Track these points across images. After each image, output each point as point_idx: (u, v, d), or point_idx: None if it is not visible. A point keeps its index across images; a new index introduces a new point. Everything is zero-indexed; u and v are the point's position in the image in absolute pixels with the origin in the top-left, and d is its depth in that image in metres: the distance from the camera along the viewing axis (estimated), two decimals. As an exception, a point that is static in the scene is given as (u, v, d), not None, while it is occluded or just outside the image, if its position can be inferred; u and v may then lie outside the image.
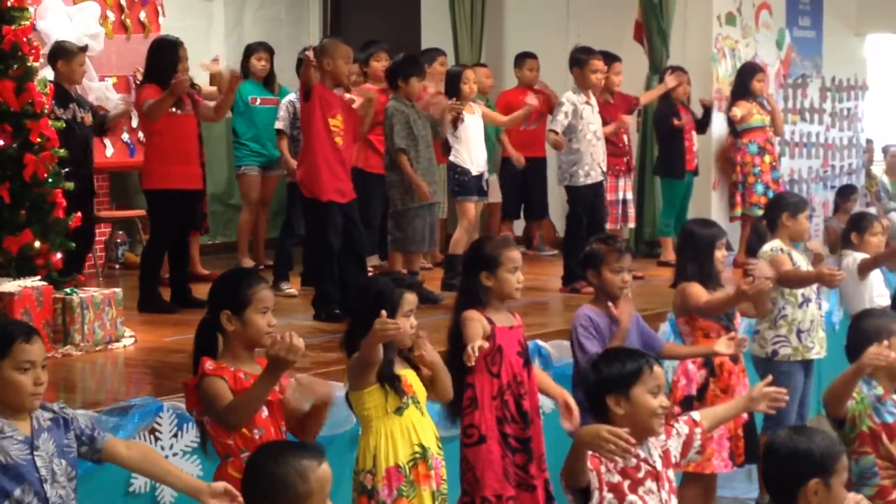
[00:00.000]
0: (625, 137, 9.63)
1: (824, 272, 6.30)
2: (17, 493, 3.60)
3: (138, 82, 8.83)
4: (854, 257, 7.04)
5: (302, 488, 3.24)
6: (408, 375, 4.56)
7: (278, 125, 9.12)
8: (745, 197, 10.22)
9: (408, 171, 7.83)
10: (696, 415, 4.11)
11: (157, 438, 5.00)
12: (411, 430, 4.51)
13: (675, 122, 9.90)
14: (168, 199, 7.85)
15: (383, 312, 4.31)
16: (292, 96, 9.02)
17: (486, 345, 4.79)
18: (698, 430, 4.03)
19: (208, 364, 4.07)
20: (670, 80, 9.89)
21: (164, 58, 7.91)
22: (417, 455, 4.50)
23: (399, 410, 4.49)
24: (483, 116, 8.88)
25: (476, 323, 4.89)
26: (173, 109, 7.78)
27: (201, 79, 9.32)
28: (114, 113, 9.12)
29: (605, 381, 3.82)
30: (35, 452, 3.66)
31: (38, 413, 3.74)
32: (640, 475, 3.80)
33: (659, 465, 3.86)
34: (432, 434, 4.60)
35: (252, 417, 3.99)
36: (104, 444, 3.86)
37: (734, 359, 5.90)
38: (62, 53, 8.28)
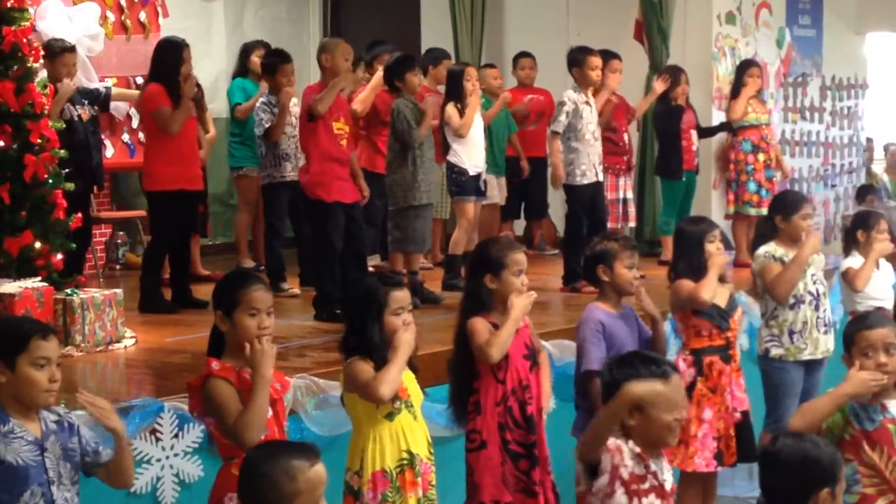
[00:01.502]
0: (625, 136, 9.64)
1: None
2: (26, 496, 3.61)
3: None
4: (846, 262, 7.02)
5: (289, 488, 3.21)
6: (404, 379, 4.52)
7: (259, 130, 9.02)
8: (738, 195, 10.22)
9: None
10: None
11: (157, 439, 5.00)
12: (401, 435, 4.48)
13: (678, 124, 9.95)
14: (169, 200, 7.85)
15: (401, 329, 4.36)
16: (263, 99, 8.93)
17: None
18: None
19: (214, 364, 4.08)
20: (658, 86, 9.86)
21: (169, 57, 7.92)
22: (405, 461, 4.48)
23: (390, 415, 4.47)
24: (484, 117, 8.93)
25: (483, 327, 4.88)
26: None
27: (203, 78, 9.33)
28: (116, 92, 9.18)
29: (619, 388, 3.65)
30: (45, 454, 3.67)
31: (44, 415, 3.75)
32: (645, 486, 3.68)
33: (668, 485, 3.74)
34: (424, 440, 4.58)
35: (263, 428, 3.96)
36: (105, 462, 3.88)
37: (725, 358, 5.89)
38: (47, 52, 8.23)
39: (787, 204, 6.52)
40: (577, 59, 8.68)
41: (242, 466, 3.40)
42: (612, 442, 3.66)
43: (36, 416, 3.73)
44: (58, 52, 8.31)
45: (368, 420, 4.47)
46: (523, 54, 10.75)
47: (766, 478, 3.51)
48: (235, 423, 3.94)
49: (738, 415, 5.90)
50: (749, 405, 6.03)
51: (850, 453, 4.43)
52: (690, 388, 5.82)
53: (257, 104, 8.98)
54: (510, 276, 4.93)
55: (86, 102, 8.59)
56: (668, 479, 3.78)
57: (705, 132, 10.35)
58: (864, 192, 12.03)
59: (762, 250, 6.42)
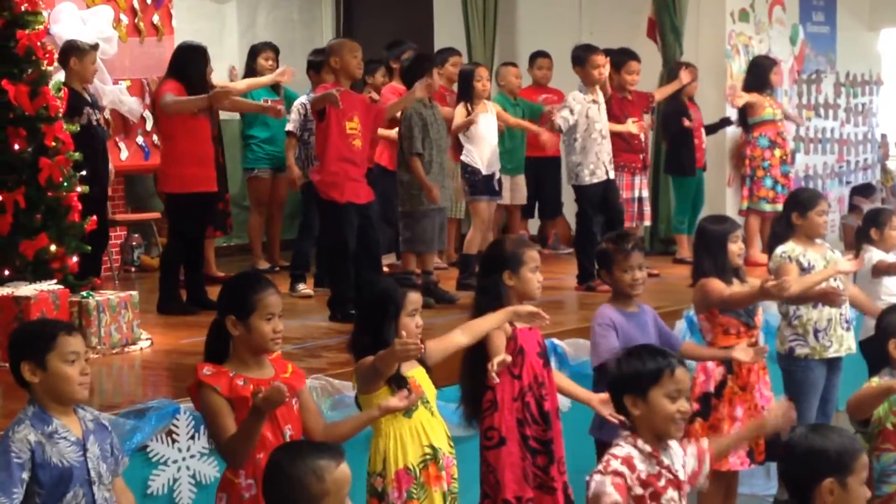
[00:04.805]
0: (641, 135, 9.61)
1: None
2: (69, 496, 3.67)
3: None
4: (872, 255, 7.00)
5: (317, 488, 3.24)
6: (416, 375, 4.54)
7: (289, 127, 9.06)
8: (753, 191, 10.15)
9: (420, 175, 7.76)
10: (705, 443, 4.05)
11: (174, 440, 5.01)
12: (421, 431, 4.49)
13: (686, 122, 9.89)
14: (186, 202, 7.86)
15: (403, 333, 4.30)
16: (304, 98, 9.01)
17: (510, 359, 4.78)
18: (707, 456, 3.98)
19: (204, 370, 4.05)
20: (684, 76, 9.84)
21: (191, 60, 7.94)
22: (428, 456, 4.49)
23: (408, 413, 4.47)
24: (497, 116, 8.89)
25: (500, 333, 4.87)
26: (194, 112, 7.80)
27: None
28: None
29: (624, 379, 3.76)
30: (86, 454, 3.73)
31: (82, 414, 3.81)
32: (662, 483, 3.71)
33: (681, 473, 3.79)
34: (443, 434, 4.59)
35: (251, 453, 3.96)
36: (120, 473, 3.94)
37: (754, 356, 5.88)
38: (74, 51, 8.25)
39: (803, 201, 6.51)
40: (580, 56, 8.68)
41: (267, 468, 3.41)
42: (617, 466, 3.67)
43: (74, 414, 3.78)
44: (86, 51, 8.34)
45: (387, 419, 4.46)
46: (541, 54, 10.72)
47: (782, 469, 3.61)
48: (225, 446, 3.99)
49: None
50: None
51: (890, 443, 4.51)
52: (721, 386, 5.83)
53: (295, 104, 9.01)
54: (528, 272, 4.99)
55: (106, 110, 8.61)
56: (681, 469, 3.81)
57: (710, 129, 10.29)
58: (867, 192, 11.96)
59: (779, 250, 6.41)
